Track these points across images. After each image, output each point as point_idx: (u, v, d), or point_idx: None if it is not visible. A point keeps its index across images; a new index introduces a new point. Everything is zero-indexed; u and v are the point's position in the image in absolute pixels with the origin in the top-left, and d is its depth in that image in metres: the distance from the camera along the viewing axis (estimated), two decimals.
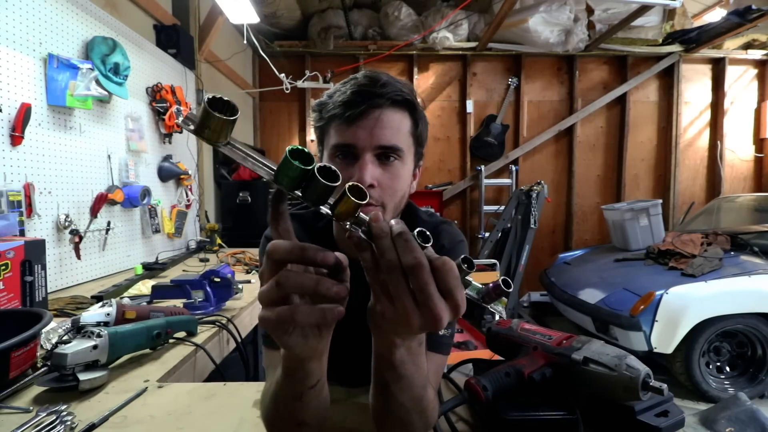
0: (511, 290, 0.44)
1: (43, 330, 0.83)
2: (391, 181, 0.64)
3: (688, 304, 2.35)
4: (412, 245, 0.34)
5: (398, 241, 0.34)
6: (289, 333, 0.37)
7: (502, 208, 3.85)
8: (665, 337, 2.34)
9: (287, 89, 3.03)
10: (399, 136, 0.64)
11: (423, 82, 4.28)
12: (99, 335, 0.76)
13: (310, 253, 0.36)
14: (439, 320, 0.34)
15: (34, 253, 1.13)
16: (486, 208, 4.17)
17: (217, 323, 1.10)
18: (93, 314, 0.92)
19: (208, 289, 1.20)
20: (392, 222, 0.35)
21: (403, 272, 0.34)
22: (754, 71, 4.46)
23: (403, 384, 0.45)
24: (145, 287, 1.49)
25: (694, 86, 4.41)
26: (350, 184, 0.33)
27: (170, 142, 2.30)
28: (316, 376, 0.44)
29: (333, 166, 0.33)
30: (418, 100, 0.69)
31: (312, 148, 3.69)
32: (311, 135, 4.07)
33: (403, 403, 0.46)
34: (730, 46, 4.28)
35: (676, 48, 4.21)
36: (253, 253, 2.24)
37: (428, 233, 0.36)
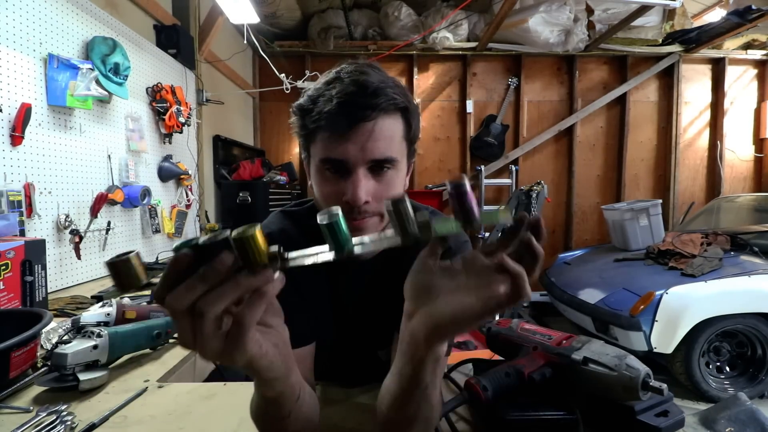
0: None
1: (43, 330, 0.83)
2: (385, 191, 0.61)
3: (688, 304, 2.35)
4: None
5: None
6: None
7: (502, 208, 3.84)
8: (665, 337, 2.33)
9: (287, 89, 3.02)
10: (392, 146, 0.60)
11: (423, 82, 4.27)
12: (99, 335, 0.76)
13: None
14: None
15: (34, 253, 1.13)
16: (486, 208, 4.17)
17: None
18: (93, 314, 0.92)
19: None
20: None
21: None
22: (753, 71, 4.45)
23: (426, 396, 0.46)
24: None
25: (694, 86, 4.40)
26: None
27: (170, 142, 2.30)
28: (296, 390, 0.46)
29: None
30: (416, 100, 0.66)
31: None
32: None
33: (423, 415, 0.48)
34: (730, 46, 4.28)
35: (676, 48, 4.21)
36: None
37: None
